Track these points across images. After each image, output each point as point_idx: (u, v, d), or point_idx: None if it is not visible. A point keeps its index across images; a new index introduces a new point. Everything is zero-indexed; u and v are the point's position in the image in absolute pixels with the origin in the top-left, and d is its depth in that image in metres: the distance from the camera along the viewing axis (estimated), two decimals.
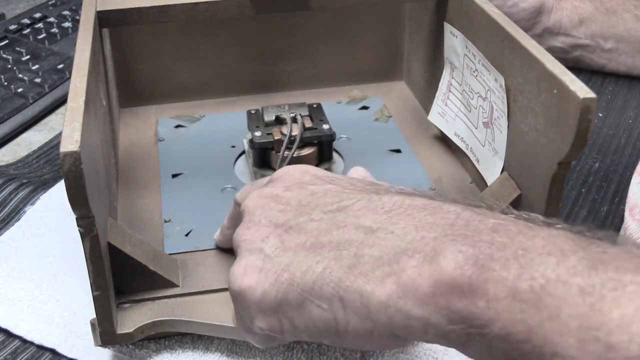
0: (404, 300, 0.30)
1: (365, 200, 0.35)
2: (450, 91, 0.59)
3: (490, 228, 0.30)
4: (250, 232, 0.37)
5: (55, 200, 0.58)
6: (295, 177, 0.39)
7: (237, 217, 0.42)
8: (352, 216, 0.34)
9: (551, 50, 0.77)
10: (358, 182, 0.38)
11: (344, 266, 0.32)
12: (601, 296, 0.26)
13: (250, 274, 0.35)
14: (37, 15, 0.88)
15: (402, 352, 0.46)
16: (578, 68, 0.78)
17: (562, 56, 0.76)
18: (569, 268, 0.27)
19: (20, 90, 0.73)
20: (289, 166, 0.41)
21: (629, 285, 0.26)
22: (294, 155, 0.54)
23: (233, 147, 0.62)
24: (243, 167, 0.60)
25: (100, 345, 0.44)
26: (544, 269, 0.28)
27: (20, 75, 0.75)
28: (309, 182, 0.38)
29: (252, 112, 0.59)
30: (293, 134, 0.55)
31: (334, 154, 0.59)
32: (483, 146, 0.54)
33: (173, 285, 0.46)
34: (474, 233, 0.30)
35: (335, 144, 0.58)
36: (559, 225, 0.31)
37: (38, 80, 0.74)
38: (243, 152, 0.61)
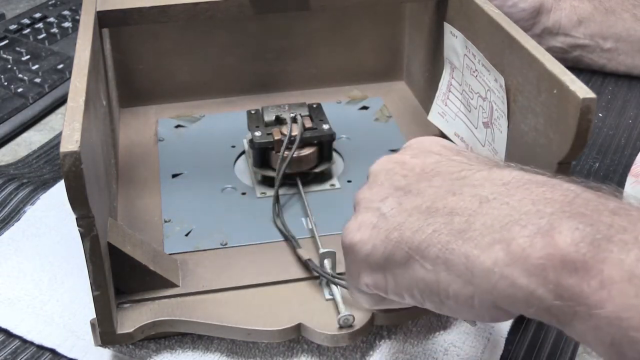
0: (511, 268, 0.30)
1: (486, 172, 0.35)
2: (450, 91, 0.59)
3: (610, 210, 0.30)
4: (371, 192, 0.38)
5: (55, 200, 0.58)
6: (424, 146, 0.40)
7: None
8: (470, 185, 0.34)
9: (551, 50, 0.77)
10: (484, 157, 0.38)
11: (453, 230, 0.33)
12: None
13: (364, 229, 0.36)
14: (37, 15, 0.88)
15: (402, 352, 0.46)
16: (578, 68, 0.78)
17: (561, 56, 0.76)
18: None
19: (20, 90, 0.73)
20: (421, 137, 0.42)
21: None
22: (294, 155, 0.54)
23: (233, 147, 0.62)
24: (243, 167, 0.60)
25: (100, 345, 0.44)
26: None
27: (20, 75, 0.75)
28: (436, 152, 0.38)
29: (252, 112, 0.59)
30: (293, 134, 0.55)
31: (334, 154, 0.59)
32: (483, 146, 0.54)
33: (173, 285, 0.46)
34: (593, 213, 0.30)
35: (335, 144, 0.58)
36: None
37: (38, 80, 0.74)
38: (243, 152, 0.61)
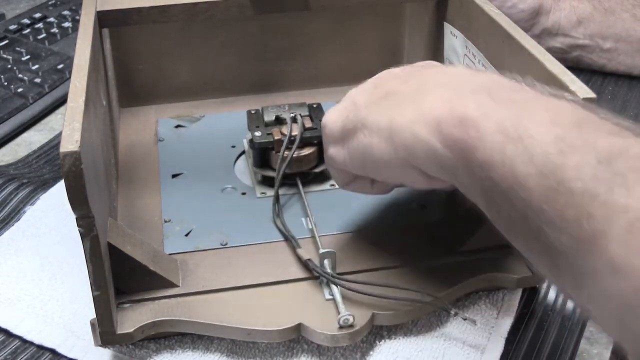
0: (418, 125, 0.37)
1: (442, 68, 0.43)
2: None
3: (509, 88, 0.36)
4: (357, 91, 0.45)
5: (55, 200, 0.58)
6: (421, 63, 0.46)
7: None
8: (429, 75, 0.41)
9: (550, 50, 0.77)
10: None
11: (389, 105, 0.40)
12: (562, 150, 0.31)
13: (335, 112, 0.45)
14: (37, 15, 0.88)
15: (402, 352, 0.46)
16: (578, 68, 0.78)
17: (561, 56, 0.76)
18: (552, 124, 0.32)
19: (20, 90, 0.73)
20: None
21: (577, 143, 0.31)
22: (294, 155, 0.54)
23: (233, 147, 0.62)
24: (243, 167, 0.60)
25: (100, 345, 0.44)
26: (531, 121, 0.33)
27: (20, 75, 0.75)
28: (425, 66, 0.45)
29: (252, 112, 0.59)
30: (293, 134, 0.55)
31: None
32: None
33: (173, 285, 0.46)
34: (499, 90, 0.36)
35: None
36: (570, 98, 0.36)
37: (38, 80, 0.74)
38: (243, 152, 0.61)
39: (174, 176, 0.58)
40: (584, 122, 0.32)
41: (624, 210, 0.28)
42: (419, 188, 0.44)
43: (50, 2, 0.92)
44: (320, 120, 0.57)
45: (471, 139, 0.34)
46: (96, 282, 0.40)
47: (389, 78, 0.43)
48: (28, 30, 0.84)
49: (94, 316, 0.42)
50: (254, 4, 0.57)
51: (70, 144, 0.36)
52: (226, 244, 0.51)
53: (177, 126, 0.66)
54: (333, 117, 0.45)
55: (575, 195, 0.29)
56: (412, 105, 0.38)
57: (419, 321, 0.48)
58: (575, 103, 0.34)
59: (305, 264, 0.48)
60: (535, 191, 0.31)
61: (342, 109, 0.44)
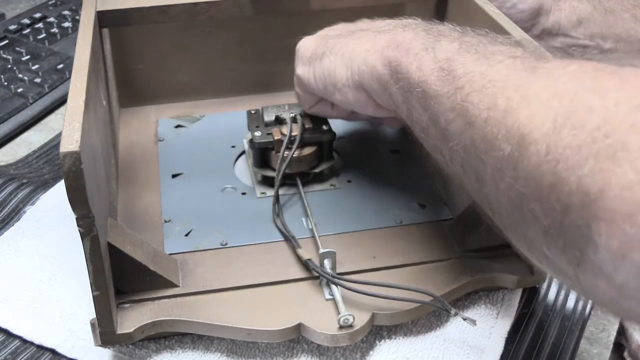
0: (369, 53, 0.45)
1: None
2: None
3: (448, 29, 0.44)
4: (331, 28, 0.54)
5: (55, 200, 0.58)
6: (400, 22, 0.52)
7: None
8: (389, 24, 0.50)
9: (551, 51, 0.77)
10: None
11: (355, 39, 0.48)
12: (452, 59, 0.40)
13: (309, 39, 0.53)
14: (37, 15, 0.88)
15: (402, 352, 0.46)
16: None
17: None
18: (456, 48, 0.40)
19: (20, 90, 0.73)
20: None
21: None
22: (294, 155, 0.54)
23: (233, 147, 0.62)
24: (243, 167, 0.60)
25: (100, 345, 0.44)
26: (447, 46, 0.41)
27: (20, 75, 0.75)
28: (400, 25, 0.50)
29: (252, 112, 0.59)
30: (293, 134, 0.55)
31: (334, 154, 0.59)
32: None
33: (173, 285, 0.46)
34: (432, 27, 0.45)
35: (335, 144, 0.58)
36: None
37: (38, 80, 0.74)
38: (243, 152, 0.61)
39: (174, 176, 0.58)
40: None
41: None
42: (369, 116, 0.53)
43: (50, 2, 0.92)
44: (320, 121, 0.57)
45: (400, 55, 0.42)
46: (96, 282, 0.40)
47: (364, 24, 0.52)
48: (28, 30, 0.84)
49: (94, 316, 0.42)
50: (254, 4, 0.57)
51: (70, 144, 0.36)
52: (226, 244, 0.51)
53: (177, 126, 0.66)
54: (307, 43, 0.52)
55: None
56: (371, 40, 0.46)
57: (419, 321, 0.48)
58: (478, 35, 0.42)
59: (305, 264, 0.48)
60: (436, 85, 0.39)
61: (315, 37, 0.53)
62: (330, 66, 0.49)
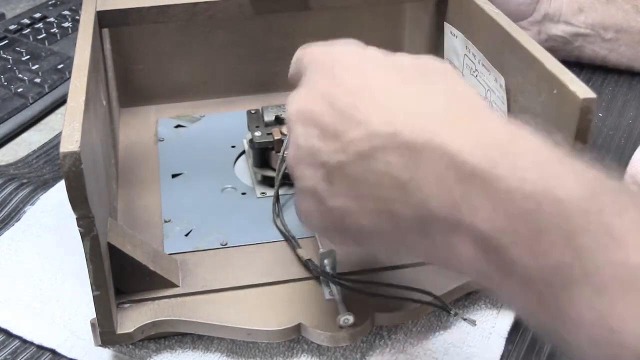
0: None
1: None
2: None
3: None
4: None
5: (55, 200, 0.58)
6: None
7: None
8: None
9: (553, 39, 0.77)
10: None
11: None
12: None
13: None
14: (37, 15, 0.88)
15: (402, 352, 0.46)
16: (580, 64, 0.78)
17: (563, 47, 0.77)
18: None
19: (20, 90, 0.73)
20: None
21: None
22: None
23: (233, 147, 0.62)
24: (243, 167, 0.60)
25: (100, 345, 0.44)
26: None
27: (20, 75, 0.75)
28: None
29: (252, 112, 0.59)
30: None
31: None
32: None
33: (173, 285, 0.46)
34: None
35: None
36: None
37: (38, 80, 0.74)
38: (243, 152, 0.61)
39: (174, 176, 0.58)
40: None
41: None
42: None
43: (50, 2, 0.92)
44: None
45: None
46: (96, 282, 0.40)
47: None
48: (28, 30, 0.84)
49: (94, 316, 0.42)
50: (254, 4, 0.57)
51: (70, 144, 0.36)
52: (226, 244, 0.51)
53: (177, 126, 0.66)
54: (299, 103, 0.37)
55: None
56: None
57: (419, 321, 0.48)
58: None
59: (305, 264, 0.48)
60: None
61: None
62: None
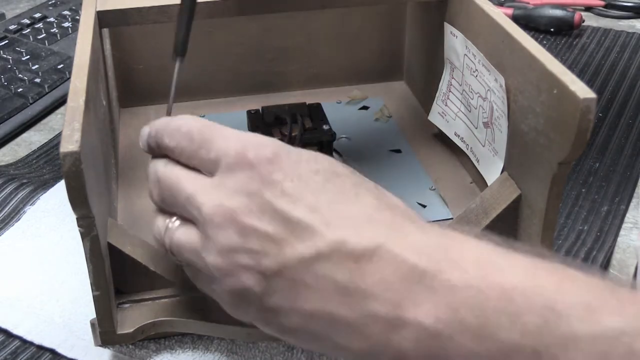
0: None
1: None
2: (450, 91, 0.59)
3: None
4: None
5: (55, 200, 0.58)
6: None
7: None
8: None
9: None
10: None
11: None
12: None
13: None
14: (37, 15, 0.88)
15: None
16: None
17: None
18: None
19: (20, 90, 0.73)
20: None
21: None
22: None
23: None
24: None
25: (100, 345, 0.44)
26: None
27: (20, 75, 0.75)
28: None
29: (252, 112, 0.59)
30: (293, 134, 0.55)
31: (334, 154, 0.59)
32: (483, 146, 0.54)
33: (173, 285, 0.46)
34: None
35: (335, 144, 0.58)
36: None
37: (38, 80, 0.74)
38: None
39: None
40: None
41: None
42: None
43: (50, 2, 0.92)
44: (321, 121, 0.57)
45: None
46: (96, 282, 0.40)
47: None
48: (28, 30, 0.84)
49: (94, 316, 0.42)
50: (254, 4, 0.57)
51: (70, 144, 0.36)
52: None
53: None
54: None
55: None
56: None
57: None
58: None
59: None
60: None
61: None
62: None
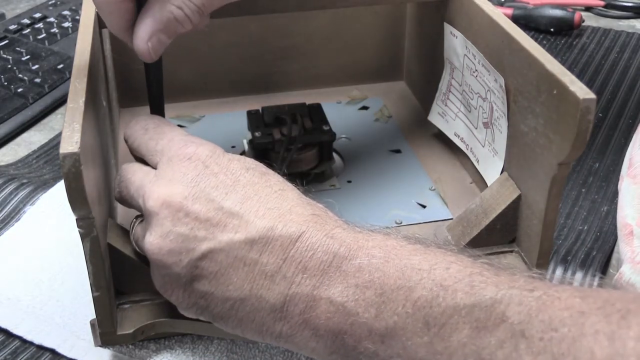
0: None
1: None
2: (450, 91, 0.59)
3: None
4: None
5: (55, 200, 0.58)
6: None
7: None
8: None
9: None
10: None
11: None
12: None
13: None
14: (37, 15, 0.88)
15: None
16: None
17: None
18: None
19: (20, 90, 0.73)
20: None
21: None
22: (294, 155, 0.54)
23: (233, 147, 0.62)
24: None
25: (100, 346, 0.44)
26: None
27: (20, 75, 0.75)
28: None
29: (252, 112, 0.59)
30: (293, 134, 0.55)
31: (334, 154, 0.59)
32: (483, 146, 0.54)
33: None
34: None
35: (335, 144, 0.58)
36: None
37: (38, 80, 0.74)
38: (243, 152, 0.61)
39: None
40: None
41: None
42: None
43: (50, 2, 0.92)
44: (321, 121, 0.57)
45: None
46: (96, 283, 0.40)
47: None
48: (28, 30, 0.84)
49: (94, 316, 0.42)
50: (253, 4, 0.57)
51: (70, 145, 0.36)
52: None
53: (177, 126, 0.66)
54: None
55: None
56: None
57: None
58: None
59: None
60: None
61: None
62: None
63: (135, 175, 0.41)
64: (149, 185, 0.39)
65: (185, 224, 0.37)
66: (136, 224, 0.42)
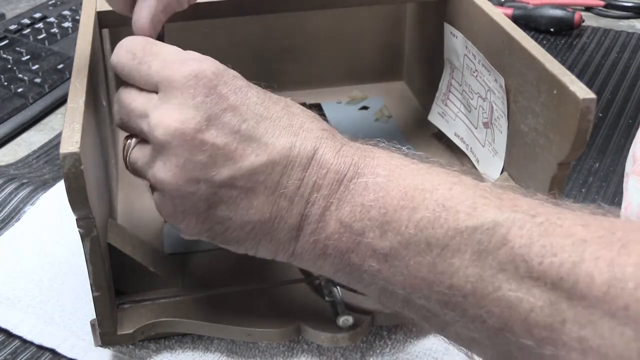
0: None
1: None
2: (450, 91, 0.59)
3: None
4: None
5: (55, 200, 0.58)
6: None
7: None
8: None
9: None
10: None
11: None
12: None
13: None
14: (37, 15, 0.88)
15: (402, 352, 0.46)
16: None
17: None
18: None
19: (20, 90, 0.73)
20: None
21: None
22: None
23: None
24: None
25: (100, 346, 0.44)
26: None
27: (20, 75, 0.75)
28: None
29: None
30: None
31: None
32: (483, 146, 0.54)
33: (173, 285, 0.46)
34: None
35: None
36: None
37: (38, 80, 0.74)
38: None
39: None
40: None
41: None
42: None
43: (50, 2, 0.92)
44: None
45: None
46: (96, 283, 0.40)
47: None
48: (28, 30, 0.84)
49: (94, 316, 0.42)
50: (253, 4, 0.57)
51: (70, 145, 0.36)
52: None
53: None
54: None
55: None
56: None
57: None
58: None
59: None
60: None
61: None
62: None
63: (136, 101, 0.38)
64: (155, 112, 0.36)
65: (203, 152, 0.35)
66: (132, 147, 0.39)
